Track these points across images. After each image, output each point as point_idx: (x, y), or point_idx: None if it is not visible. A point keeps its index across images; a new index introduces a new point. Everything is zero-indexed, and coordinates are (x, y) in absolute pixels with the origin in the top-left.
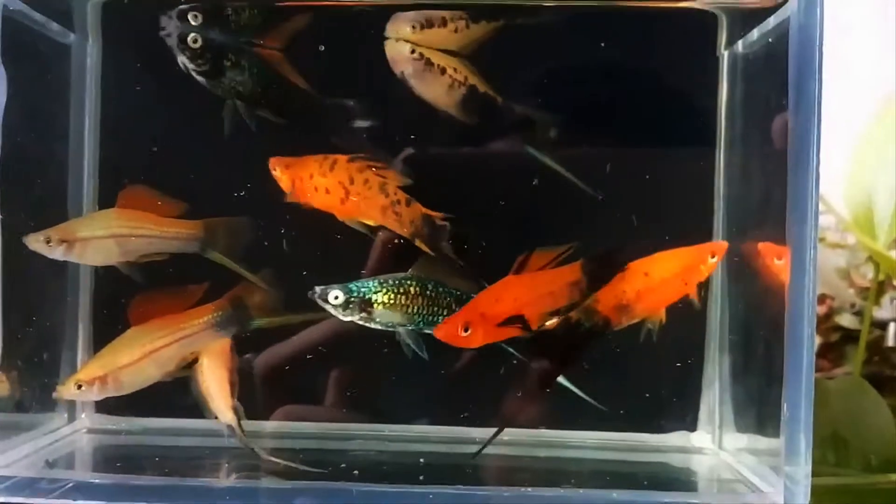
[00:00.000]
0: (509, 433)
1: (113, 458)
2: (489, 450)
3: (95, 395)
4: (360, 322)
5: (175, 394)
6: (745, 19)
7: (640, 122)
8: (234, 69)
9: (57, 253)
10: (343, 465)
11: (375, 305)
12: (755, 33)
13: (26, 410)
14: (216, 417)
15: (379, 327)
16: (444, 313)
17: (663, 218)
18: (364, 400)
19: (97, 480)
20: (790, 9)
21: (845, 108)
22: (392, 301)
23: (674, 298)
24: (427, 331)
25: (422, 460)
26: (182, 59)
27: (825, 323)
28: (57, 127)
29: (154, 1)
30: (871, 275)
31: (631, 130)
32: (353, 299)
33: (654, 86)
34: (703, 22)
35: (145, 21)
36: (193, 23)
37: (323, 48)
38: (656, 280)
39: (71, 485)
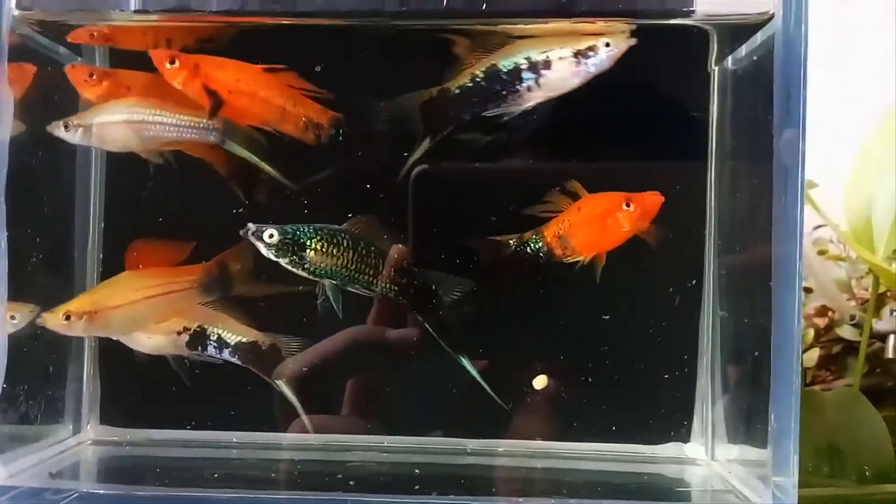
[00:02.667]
0: (505, 444)
1: (117, 470)
2: (485, 461)
3: (81, 330)
4: (288, 266)
5: (179, 406)
6: (735, 35)
7: (633, 136)
8: None
9: (76, 137)
10: (339, 476)
11: (307, 251)
12: (743, 49)
13: (32, 422)
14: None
15: (304, 274)
16: (370, 273)
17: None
18: (381, 411)
19: (101, 491)
20: (775, 25)
21: (847, 121)
22: (324, 250)
23: (600, 243)
24: (350, 287)
25: (417, 471)
26: None
27: (826, 335)
28: (64, 147)
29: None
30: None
31: (624, 144)
32: (287, 241)
33: (647, 100)
34: (696, 38)
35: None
36: None
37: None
38: (583, 217)
39: (75, 495)
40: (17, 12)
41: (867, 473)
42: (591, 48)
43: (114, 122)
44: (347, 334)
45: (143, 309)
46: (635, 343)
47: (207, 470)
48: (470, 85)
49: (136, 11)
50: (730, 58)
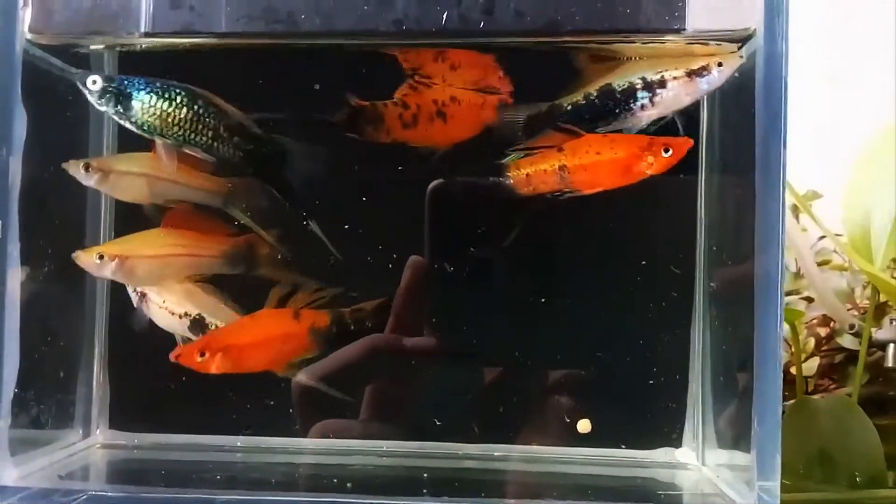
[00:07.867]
0: (499, 449)
1: (125, 472)
2: (477, 465)
3: (109, 273)
4: (116, 118)
5: (185, 411)
6: None
7: None
8: None
9: (92, 181)
10: (335, 480)
11: (134, 102)
12: None
13: (43, 426)
14: None
15: (133, 128)
16: (208, 134)
17: (645, 243)
18: (399, 416)
19: (109, 493)
20: (757, 42)
21: (848, 133)
22: (152, 103)
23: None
24: (187, 149)
25: (423, 475)
26: None
27: (827, 344)
28: (76, 156)
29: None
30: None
31: None
32: (111, 88)
33: None
34: None
35: (158, 67)
36: None
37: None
38: (602, 156)
39: (84, 497)
40: (30, 35)
41: (858, 480)
42: (704, 68)
43: (133, 174)
44: (365, 342)
45: (170, 264)
46: (627, 349)
47: (212, 472)
48: (582, 102)
49: (145, 34)
50: None
